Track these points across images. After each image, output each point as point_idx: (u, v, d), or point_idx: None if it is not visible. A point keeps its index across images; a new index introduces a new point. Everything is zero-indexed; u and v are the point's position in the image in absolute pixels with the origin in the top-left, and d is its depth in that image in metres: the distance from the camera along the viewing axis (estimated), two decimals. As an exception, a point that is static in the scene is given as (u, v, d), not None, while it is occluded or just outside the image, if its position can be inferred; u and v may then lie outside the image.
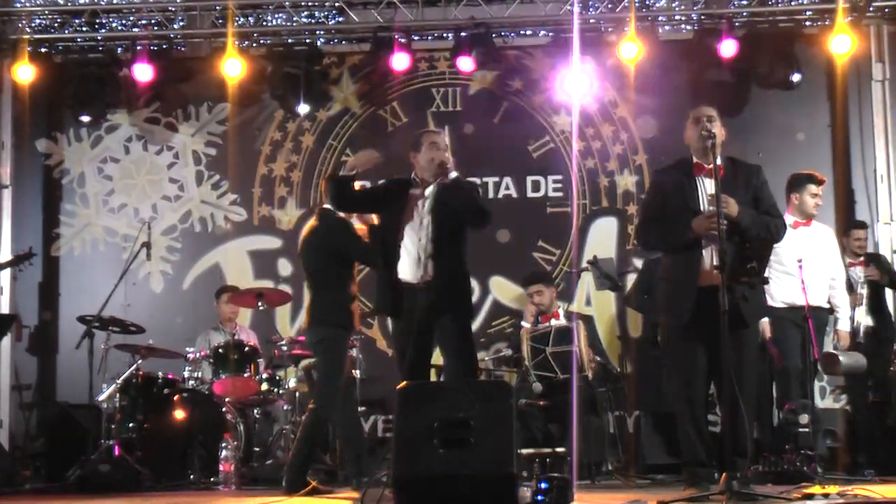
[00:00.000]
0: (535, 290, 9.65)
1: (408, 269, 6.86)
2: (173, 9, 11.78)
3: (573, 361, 8.42)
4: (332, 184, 7.24)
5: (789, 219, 8.33)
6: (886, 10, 11.09)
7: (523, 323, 9.59)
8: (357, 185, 7.24)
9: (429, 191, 6.93)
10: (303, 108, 11.39)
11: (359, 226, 7.91)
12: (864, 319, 9.31)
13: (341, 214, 7.91)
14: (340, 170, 7.24)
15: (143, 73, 11.22)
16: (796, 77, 10.90)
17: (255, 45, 11.78)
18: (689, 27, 11.60)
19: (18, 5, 11.76)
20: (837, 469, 8.73)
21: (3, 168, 11.53)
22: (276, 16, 11.83)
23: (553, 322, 9.22)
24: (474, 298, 10.99)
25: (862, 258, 9.58)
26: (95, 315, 9.43)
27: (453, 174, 6.86)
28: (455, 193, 6.86)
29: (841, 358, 8.53)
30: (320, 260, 7.98)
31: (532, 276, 9.95)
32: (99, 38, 11.67)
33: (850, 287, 9.26)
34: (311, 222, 8.24)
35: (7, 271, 11.23)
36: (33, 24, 11.71)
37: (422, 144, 7.02)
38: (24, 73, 11.20)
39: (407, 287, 6.85)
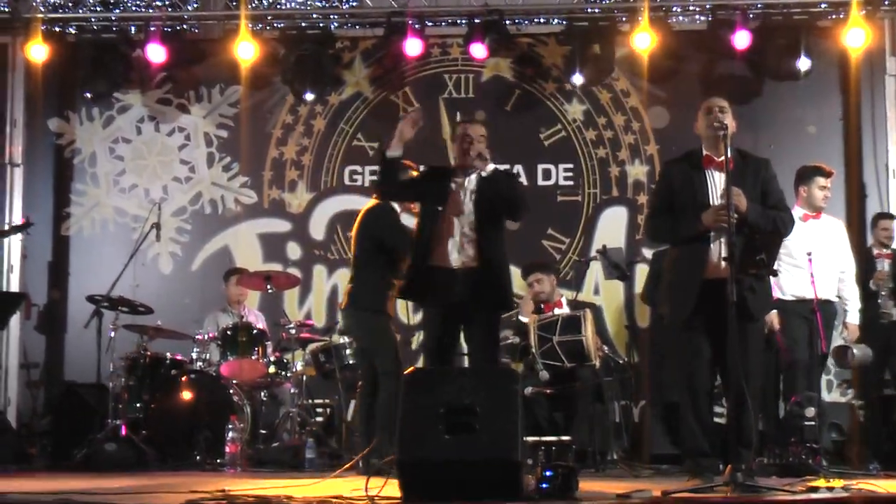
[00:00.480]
0: (535, 278, 9.66)
1: (448, 254, 6.92)
2: None
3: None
4: (381, 164, 7.24)
5: (798, 211, 8.32)
6: (902, 3, 11.07)
7: (521, 317, 9.53)
8: (410, 170, 7.50)
9: (470, 179, 7.00)
10: (309, 96, 11.41)
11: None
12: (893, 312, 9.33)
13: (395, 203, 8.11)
14: (384, 144, 7.35)
15: (156, 54, 11.23)
16: (804, 64, 10.85)
17: (268, 28, 11.80)
18: (702, 18, 11.56)
19: (33, -16, 11.78)
20: (843, 463, 8.73)
21: (15, 146, 11.56)
22: (290, -1, 11.86)
23: (558, 311, 9.24)
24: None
25: (889, 250, 9.56)
26: (104, 295, 9.50)
27: (491, 166, 6.93)
28: (493, 184, 6.94)
29: (855, 351, 8.54)
30: (363, 243, 8.22)
31: (530, 265, 9.96)
32: (112, 18, 11.70)
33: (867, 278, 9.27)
34: (369, 203, 8.43)
35: (17, 250, 11.29)
36: (47, 3, 11.73)
37: (457, 135, 7.18)
38: (38, 52, 11.22)
39: (445, 272, 6.93)
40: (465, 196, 6.99)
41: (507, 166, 11.05)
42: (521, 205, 7.11)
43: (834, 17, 11.20)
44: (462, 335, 7.28)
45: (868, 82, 11.11)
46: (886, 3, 11.06)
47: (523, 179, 11.31)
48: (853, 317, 8.83)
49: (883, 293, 9.29)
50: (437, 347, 7.04)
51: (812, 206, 8.63)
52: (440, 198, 7.02)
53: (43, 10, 11.59)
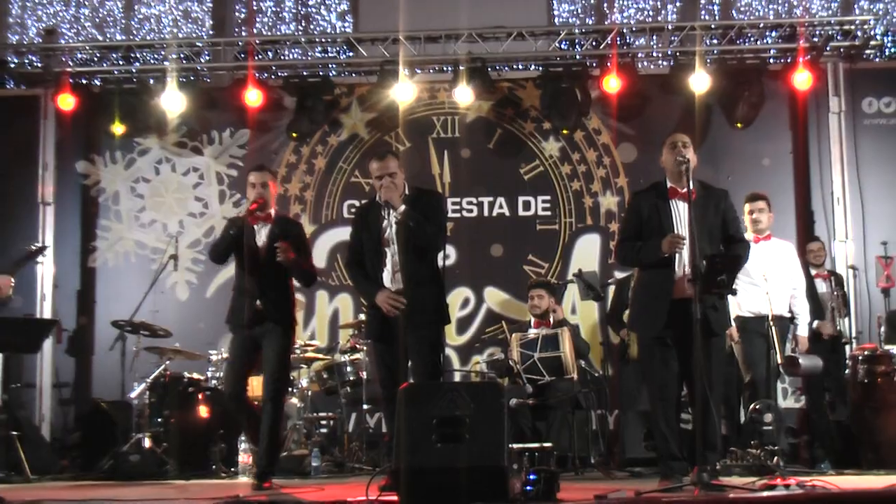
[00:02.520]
0: (537, 293, 9.64)
1: (385, 282, 6.74)
2: (200, 44, 11.99)
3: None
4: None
5: (749, 236, 8.31)
6: (841, 49, 11.17)
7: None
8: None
9: (390, 212, 6.75)
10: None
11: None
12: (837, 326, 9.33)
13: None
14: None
15: (172, 102, 11.24)
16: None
17: (272, 76, 11.81)
18: (665, 63, 11.63)
19: (63, 41, 11.80)
20: (797, 463, 8.72)
21: (47, 187, 11.56)
22: (293, 51, 11.86)
23: (540, 330, 9.22)
24: (469, 308, 11.06)
25: (827, 272, 9.58)
26: (127, 320, 9.47)
27: (401, 207, 6.69)
28: (412, 223, 6.68)
29: (801, 361, 8.51)
30: None
31: (538, 281, 10.00)
32: (133, 70, 11.70)
33: (814, 293, 9.27)
34: None
35: (49, 281, 11.27)
36: (75, 58, 11.80)
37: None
38: (66, 102, 11.28)
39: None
40: (389, 228, 6.76)
41: (490, 198, 11.20)
42: (426, 240, 6.75)
43: (782, 61, 11.29)
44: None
45: (814, 120, 11.19)
46: (828, 49, 11.14)
47: (505, 210, 11.32)
48: (803, 330, 8.81)
49: (828, 312, 9.32)
50: (387, 376, 6.73)
51: (758, 229, 8.62)
52: (377, 230, 6.81)
53: (71, 64, 11.67)
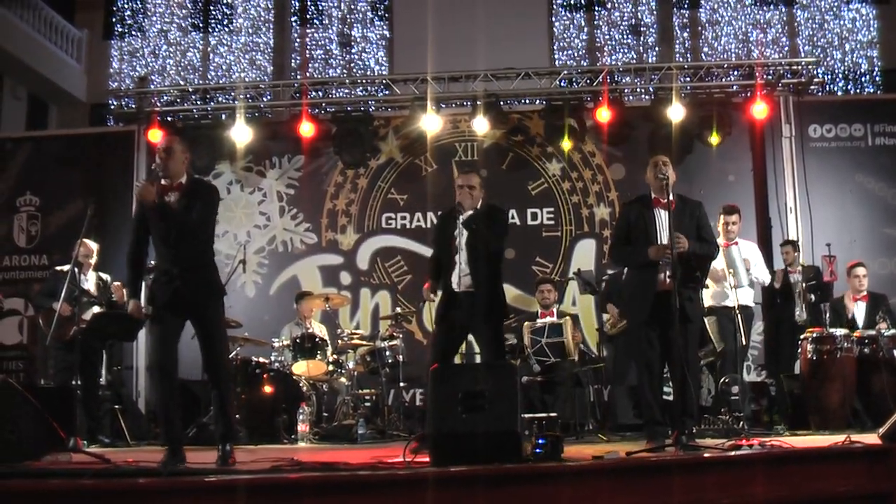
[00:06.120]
0: (546, 288, 9.66)
1: (454, 279, 6.73)
2: (263, 86, 12.16)
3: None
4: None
5: (720, 240, 8.28)
6: (791, 86, 11.20)
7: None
8: None
9: (461, 220, 6.74)
10: (351, 160, 11.50)
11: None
12: (803, 315, 9.28)
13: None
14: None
15: (240, 134, 11.32)
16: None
17: (323, 112, 11.85)
18: (647, 97, 11.62)
19: (152, 87, 11.99)
20: (759, 426, 8.70)
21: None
22: (339, 90, 11.90)
23: (547, 319, 9.23)
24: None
25: (799, 267, 9.51)
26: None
27: (469, 212, 6.70)
28: (473, 224, 6.69)
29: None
30: None
31: (544, 279, 10.02)
32: (209, 109, 11.79)
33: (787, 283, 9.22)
34: None
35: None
36: (161, 99, 11.93)
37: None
38: (155, 135, 11.35)
39: (455, 292, 6.72)
40: (460, 235, 6.74)
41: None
42: (485, 240, 6.68)
43: (744, 95, 11.27)
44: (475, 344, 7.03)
45: (770, 143, 11.20)
46: (780, 85, 11.15)
47: (516, 220, 11.32)
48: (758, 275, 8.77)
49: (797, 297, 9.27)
50: (441, 357, 6.69)
51: (728, 237, 8.60)
52: (450, 235, 6.80)
53: (159, 104, 11.80)
